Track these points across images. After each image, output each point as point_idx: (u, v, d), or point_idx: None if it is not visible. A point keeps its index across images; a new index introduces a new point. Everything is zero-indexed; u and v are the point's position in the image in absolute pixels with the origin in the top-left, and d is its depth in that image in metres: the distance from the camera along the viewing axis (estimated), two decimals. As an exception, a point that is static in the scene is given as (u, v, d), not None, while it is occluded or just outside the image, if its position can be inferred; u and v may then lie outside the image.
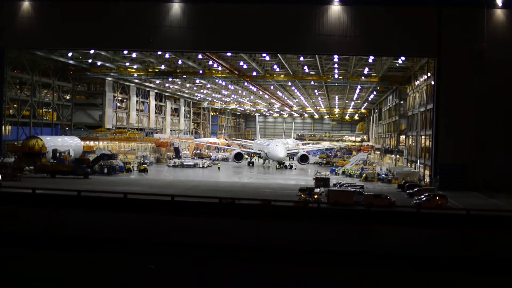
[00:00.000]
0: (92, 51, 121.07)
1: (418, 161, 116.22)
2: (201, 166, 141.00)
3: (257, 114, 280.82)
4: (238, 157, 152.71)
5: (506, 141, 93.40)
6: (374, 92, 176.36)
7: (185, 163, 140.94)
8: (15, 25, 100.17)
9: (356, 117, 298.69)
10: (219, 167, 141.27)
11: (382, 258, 57.81)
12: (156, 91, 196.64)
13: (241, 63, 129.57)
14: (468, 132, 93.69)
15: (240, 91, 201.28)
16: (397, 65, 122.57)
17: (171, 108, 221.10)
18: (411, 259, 57.49)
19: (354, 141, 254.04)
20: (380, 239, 59.63)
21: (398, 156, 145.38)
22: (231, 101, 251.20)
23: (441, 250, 58.57)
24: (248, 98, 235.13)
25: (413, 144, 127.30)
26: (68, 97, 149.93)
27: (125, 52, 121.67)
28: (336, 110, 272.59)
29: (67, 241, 61.01)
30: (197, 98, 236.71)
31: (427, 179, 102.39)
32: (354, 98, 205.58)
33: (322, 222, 62.76)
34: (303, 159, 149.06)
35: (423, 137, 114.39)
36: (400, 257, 57.60)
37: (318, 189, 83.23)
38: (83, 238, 61.69)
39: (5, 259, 54.02)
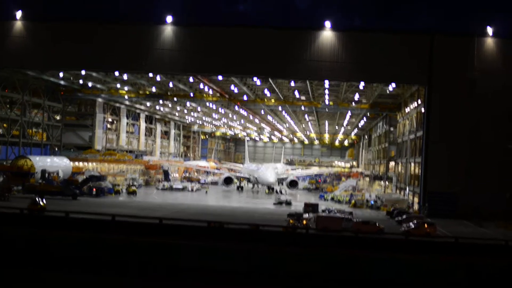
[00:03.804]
0: (83, 72, 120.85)
1: (407, 188, 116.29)
2: (190, 189, 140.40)
3: (246, 138, 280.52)
4: (228, 181, 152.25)
5: (495, 170, 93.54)
6: (364, 119, 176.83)
7: (174, 186, 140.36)
8: (7, 44, 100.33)
9: (346, 143, 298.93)
10: (206, 191, 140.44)
11: (371, 285, 57.63)
12: (146, 113, 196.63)
13: (232, 87, 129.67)
14: (458, 160, 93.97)
15: (230, 115, 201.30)
16: (388, 92, 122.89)
17: (161, 130, 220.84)
18: (399, 286, 57.38)
19: (343, 167, 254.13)
20: (368, 265, 59.52)
21: (387, 183, 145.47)
22: (222, 125, 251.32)
23: (429, 277, 58.52)
24: (238, 122, 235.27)
25: (403, 171, 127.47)
26: (58, 118, 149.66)
27: (117, 73, 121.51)
28: (326, 135, 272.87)
29: (57, 261, 60.52)
30: (187, 121, 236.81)
31: (416, 207, 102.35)
32: (344, 124, 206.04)
33: (311, 247, 62.66)
34: (293, 184, 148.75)
35: (412, 164, 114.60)
36: (389, 284, 57.45)
37: (307, 214, 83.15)
38: (74, 258, 61.21)
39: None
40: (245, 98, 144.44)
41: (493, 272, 58.57)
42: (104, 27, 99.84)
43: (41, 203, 75.17)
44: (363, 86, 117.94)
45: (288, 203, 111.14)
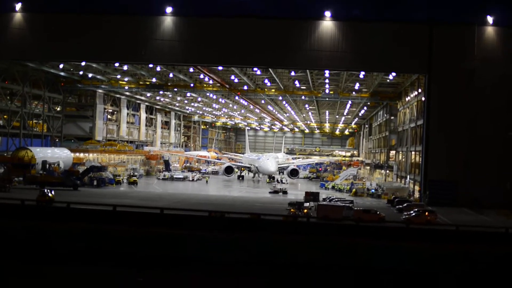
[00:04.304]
0: (83, 63, 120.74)
1: (408, 176, 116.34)
2: (190, 179, 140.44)
3: (247, 128, 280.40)
4: (229, 170, 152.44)
5: (494, 161, 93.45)
6: (365, 108, 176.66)
7: (174, 176, 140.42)
8: (7, 36, 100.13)
9: (346, 132, 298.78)
10: (207, 180, 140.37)
11: (371, 272, 57.83)
12: (147, 103, 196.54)
13: (232, 77, 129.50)
14: (459, 148, 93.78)
15: (231, 105, 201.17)
16: (388, 81, 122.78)
17: (161, 121, 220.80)
18: (399, 274, 57.57)
19: (344, 156, 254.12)
20: (369, 254, 59.72)
21: (388, 171, 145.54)
22: (222, 115, 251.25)
23: (430, 265, 58.68)
24: (238, 112, 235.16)
25: (403, 159, 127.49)
26: (58, 109, 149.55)
27: (117, 64, 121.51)
28: (327, 125, 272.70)
29: (54, 254, 60.65)
30: (187, 111, 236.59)
31: (416, 195, 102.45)
32: (345, 113, 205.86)
33: (312, 236, 62.84)
34: (293, 173, 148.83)
35: (413, 152, 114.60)
36: (389, 272, 57.63)
37: (308, 203, 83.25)
38: (70, 250, 61.36)
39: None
40: (245, 88, 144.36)
41: (493, 259, 58.83)
42: (104, 18, 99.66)
43: (49, 194, 75.65)
44: (363, 75, 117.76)
45: (284, 192, 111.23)
